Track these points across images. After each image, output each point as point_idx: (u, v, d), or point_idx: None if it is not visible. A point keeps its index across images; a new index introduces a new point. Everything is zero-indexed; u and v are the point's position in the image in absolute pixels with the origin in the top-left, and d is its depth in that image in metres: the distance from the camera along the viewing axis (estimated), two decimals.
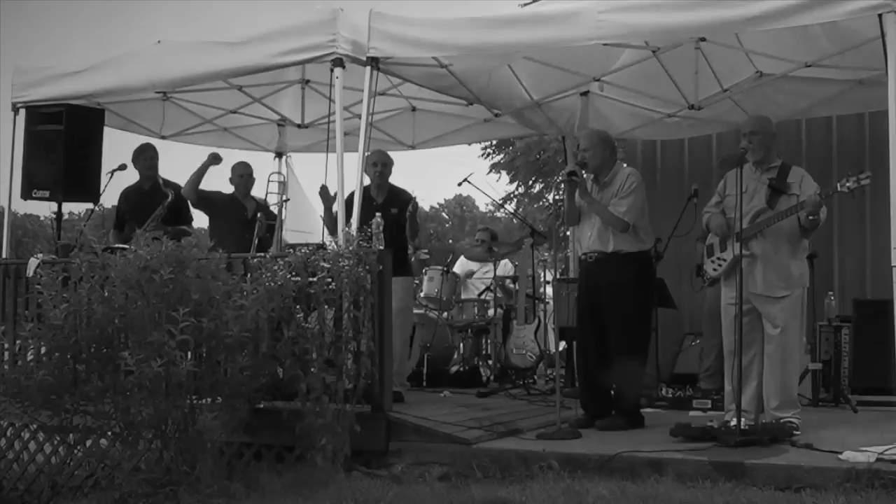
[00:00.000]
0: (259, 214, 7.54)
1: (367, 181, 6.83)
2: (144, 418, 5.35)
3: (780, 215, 5.71)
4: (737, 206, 5.63)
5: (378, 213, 6.15)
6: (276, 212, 7.84)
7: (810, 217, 5.60)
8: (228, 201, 7.87)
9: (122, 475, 5.40)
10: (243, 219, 7.71)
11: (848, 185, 5.44)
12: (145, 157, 7.94)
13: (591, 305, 6.24)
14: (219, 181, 8.04)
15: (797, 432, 5.51)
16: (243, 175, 7.91)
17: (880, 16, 5.00)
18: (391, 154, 7.39)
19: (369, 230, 5.86)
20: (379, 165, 7.04)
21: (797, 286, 5.81)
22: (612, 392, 6.28)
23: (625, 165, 6.44)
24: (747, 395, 5.77)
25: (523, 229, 11.35)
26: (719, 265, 6.01)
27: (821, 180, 5.90)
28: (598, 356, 6.21)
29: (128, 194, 7.96)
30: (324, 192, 6.74)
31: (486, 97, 7.70)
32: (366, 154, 6.40)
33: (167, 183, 7.80)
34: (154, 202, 7.64)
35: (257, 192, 8.08)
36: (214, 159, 7.70)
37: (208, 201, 7.83)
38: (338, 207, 6.38)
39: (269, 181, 7.95)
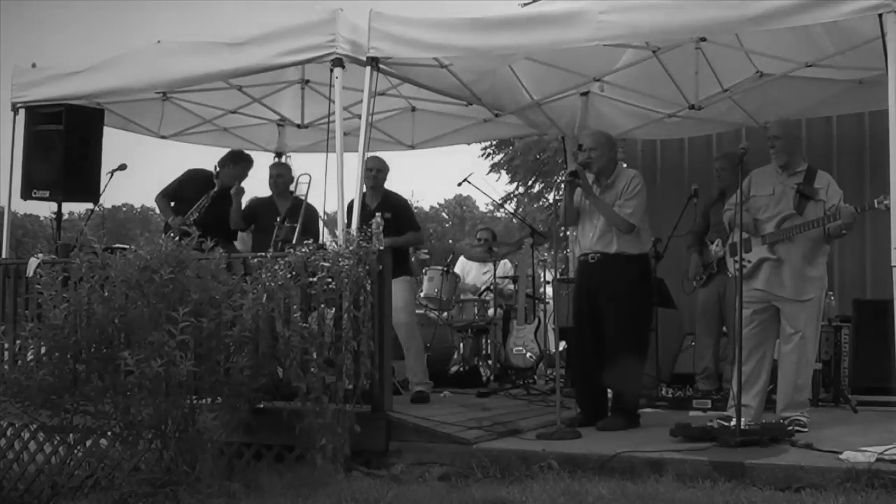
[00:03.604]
0: (278, 219, 7.45)
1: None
2: (144, 418, 5.34)
3: (811, 224, 5.72)
4: (737, 212, 5.66)
5: (378, 214, 6.16)
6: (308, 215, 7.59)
7: (843, 231, 5.65)
8: (259, 204, 7.83)
9: (122, 475, 5.40)
10: (275, 219, 7.54)
11: (886, 202, 5.23)
12: (243, 168, 7.90)
13: (590, 306, 6.23)
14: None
15: (804, 429, 5.56)
16: (273, 176, 7.86)
17: (880, 16, 4.99)
18: (391, 154, 7.42)
19: (369, 230, 5.86)
20: (374, 170, 7.13)
21: (819, 289, 5.87)
22: (610, 392, 6.28)
23: (625, 166, 6.43)
24: (754, 391, 5.83)
25: (523, 229, 11.34)
26: (744, 265, 5.96)
27: (881, 195, 5.83)
28: (597, 356, 6.21)
29: (198, 181, 7.82)
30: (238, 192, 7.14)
31: (487, 97, 7.70)
32: (365, 156, 6.40)
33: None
34: (220, 205, 7.63)
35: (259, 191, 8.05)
36: (237, 194, 7.67)
37: (249, 217, 7.75)
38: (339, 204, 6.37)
39: (297, 182, 7.85)
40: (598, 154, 6.25)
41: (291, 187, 7.83)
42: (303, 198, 7.44)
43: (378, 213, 6.17)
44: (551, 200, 23.12)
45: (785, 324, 5.81)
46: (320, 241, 7.35)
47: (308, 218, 7.42)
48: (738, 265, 6.03)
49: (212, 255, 5.62)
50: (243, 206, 7.82)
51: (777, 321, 5.86)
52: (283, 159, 9.61)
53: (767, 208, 5.91)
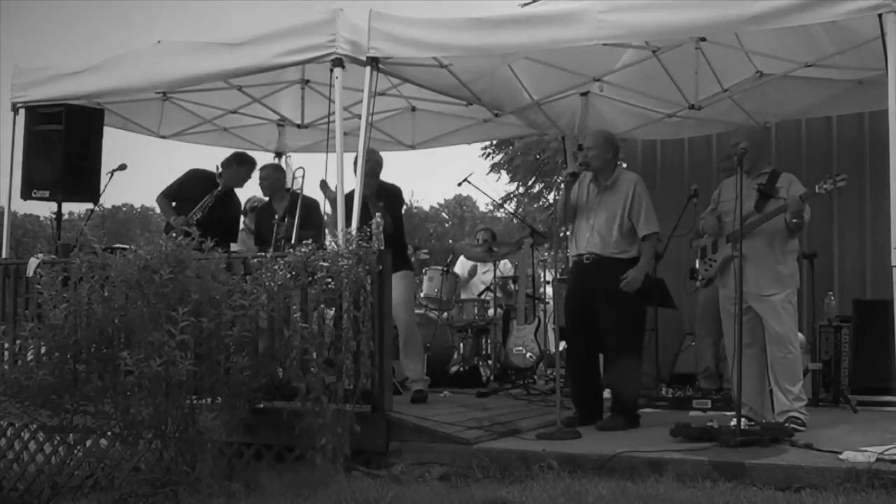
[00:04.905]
0: (276, 217, 7.44)
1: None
2: (144, 418, 5.35)
3: (764, 217, 5.84)
4: (736, 207, 5.69)
5: (378, 214, 6.15)
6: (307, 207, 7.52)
7: (794, 220, 5.73)
8: (262, 207, 7.84)
9: (122, 475, 5.40)
10: (272, 220, 7.52)
11: (825, 187, 5.61)
12: (247, 169, 7.89)
13: (585, 306, 6.24)
14: None
15: (803, 428, 5.58)
16: (262, 179, 7.86)
17: (880, 16, 5.00)
18: (391, 154, 7.40)
19: (369, 230, 5.85)
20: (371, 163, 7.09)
21: (788, 285, 5.90)
22: (610, 392, 6.28)
23: (625, 167, 6.42)
24: (752, 391, 5.87)
25: (523, 229, 11.34)
26: (710, 265, 6.19)
27: (821, 180, 5.91)
28: (591, 357, 6.22)
29: (200, 181, 7.81)
30: (323, 185, 6.78)
31: (486, 97, 7.70)
32: (364, 155, 6.38)
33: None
34: (221, 205, 7.65)
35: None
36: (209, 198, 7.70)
37: (258, 236, 7.70)
38: (339, 204, 6.36)
39: (293, 177, 7.84)
40: (594, 154, 6.27)
41: (287, 185, 7.83)
42: (299, 192, 7.43)
43: (378, 214, 6.14)
44: (551, 200, 23.12)
45: (765, 321, 5.86)
46: (325, 231, 7.35)
47: (307, 210, 7.39)
48: (706, 266, 6.21)
49: (212, 255, 5.61)
50: (243, 206, 7.80)
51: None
52: (283, 159, 9.61)
53: (733, 210, 5.96)
